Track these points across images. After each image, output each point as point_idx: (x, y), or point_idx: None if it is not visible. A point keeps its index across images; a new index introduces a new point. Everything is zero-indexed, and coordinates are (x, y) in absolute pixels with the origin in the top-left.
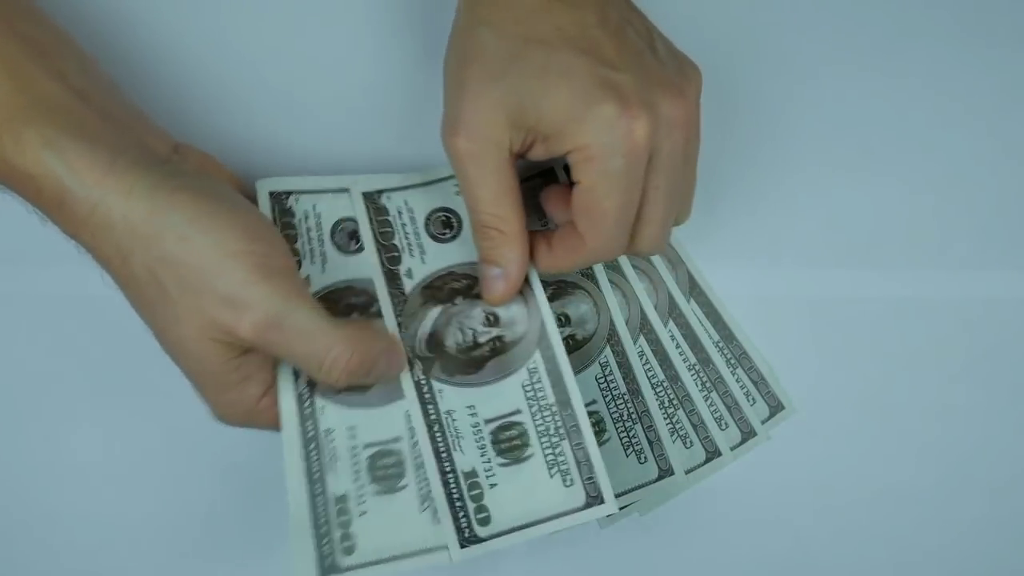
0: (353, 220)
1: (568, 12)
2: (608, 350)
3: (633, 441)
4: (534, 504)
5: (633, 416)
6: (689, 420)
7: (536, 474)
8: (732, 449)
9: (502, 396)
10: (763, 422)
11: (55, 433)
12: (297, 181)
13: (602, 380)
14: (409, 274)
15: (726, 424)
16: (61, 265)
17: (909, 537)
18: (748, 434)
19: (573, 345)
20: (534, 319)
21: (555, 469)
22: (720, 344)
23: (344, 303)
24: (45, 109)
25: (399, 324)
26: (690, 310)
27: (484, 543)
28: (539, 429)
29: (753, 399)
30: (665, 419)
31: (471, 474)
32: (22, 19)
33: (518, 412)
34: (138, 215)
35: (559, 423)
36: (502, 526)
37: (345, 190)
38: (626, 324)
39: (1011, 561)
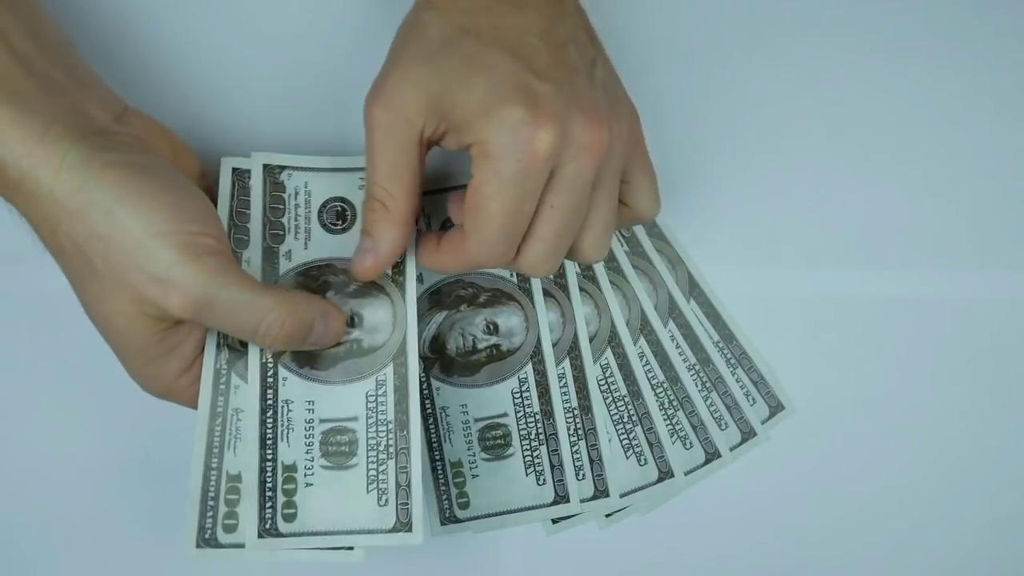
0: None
1: (512, 15)
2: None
3: (633, 443)
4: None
5: (634, 418)
6: (689, 421)
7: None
8: (732, 449)
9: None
10: (763, 422)
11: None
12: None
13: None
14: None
15: (726, 424)
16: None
17: (909, 537)
18: (748, 434)
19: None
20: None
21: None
22: (720, 344)
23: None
24: None
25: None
26: (690, 310)
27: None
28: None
29: (753, 399)
30: (665, 420)
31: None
32: None
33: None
34: (65, 189)
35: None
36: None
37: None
38: (627, 325)
39: (1011, 561)
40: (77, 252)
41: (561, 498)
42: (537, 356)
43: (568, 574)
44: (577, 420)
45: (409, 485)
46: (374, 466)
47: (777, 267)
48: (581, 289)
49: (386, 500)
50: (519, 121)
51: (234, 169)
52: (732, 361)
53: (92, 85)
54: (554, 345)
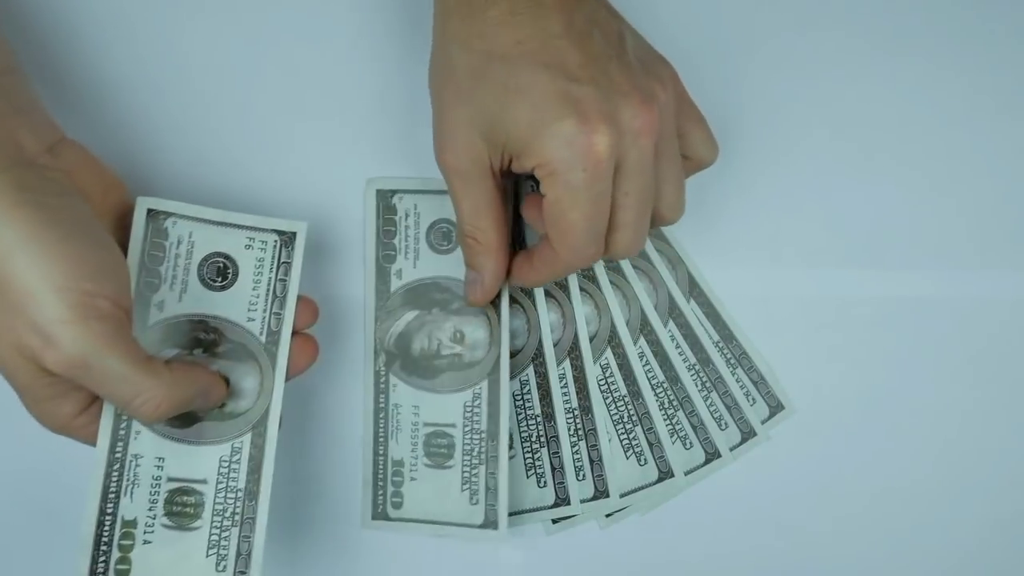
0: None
1: (531, 23)
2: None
3: (633, 443)
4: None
5: (634, 418)
6: (689, 421)
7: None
8: (732, 449)
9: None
10: (763, 422)
11: None
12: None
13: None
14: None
15: (726, 424)
16: None
17: (909, 537)
18: (748, 434)
19: None
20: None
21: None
22: (720, 344)
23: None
24: None
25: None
26: (690, 310)
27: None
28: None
29: (753, 399)
30: (665, 420)
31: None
32: None
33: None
34: None
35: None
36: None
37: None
38: (627, 325)
39: (1012, 561)
40: None
41: (562, 500)
42: (539, 359)
43: (568, 574)
44: (577, 420)
45: (496, 488)
46: (468, 469)
47: (777, 267)
48: (581, 289)
49: (477, 500)
50: (572, 133)
51: (149, 210)
52: (732, 361)
53: (29, 112)
54: (554, 345)
